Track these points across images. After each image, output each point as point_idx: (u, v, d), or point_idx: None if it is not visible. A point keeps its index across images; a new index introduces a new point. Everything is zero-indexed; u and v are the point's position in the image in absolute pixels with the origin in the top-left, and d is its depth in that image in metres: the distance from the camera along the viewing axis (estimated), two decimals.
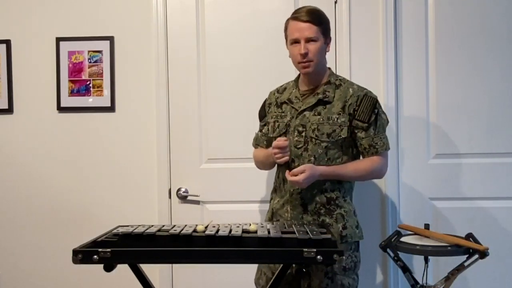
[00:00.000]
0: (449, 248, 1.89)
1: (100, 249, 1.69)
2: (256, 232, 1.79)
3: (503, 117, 2.67)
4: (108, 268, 1.73)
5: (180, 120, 2.78)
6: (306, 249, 1.65)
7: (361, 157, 2.19)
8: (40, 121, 2.86)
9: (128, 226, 1.92)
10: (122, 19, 2.82)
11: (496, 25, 2.66)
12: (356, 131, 2.11)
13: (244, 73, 2.54)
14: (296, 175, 2.00)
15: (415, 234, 2.06)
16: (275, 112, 2.24)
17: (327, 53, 2.16)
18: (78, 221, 2.84)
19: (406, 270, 1.96)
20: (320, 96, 2.12)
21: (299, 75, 2.24)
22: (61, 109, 2.85)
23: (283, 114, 2.20)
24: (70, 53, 2.83)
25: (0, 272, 2.90)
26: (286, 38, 2.15)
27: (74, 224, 2.83)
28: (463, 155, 2.69)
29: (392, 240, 1.97)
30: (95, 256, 1.68)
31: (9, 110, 2.88)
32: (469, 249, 1.87)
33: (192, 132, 2.78)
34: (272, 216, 2.22)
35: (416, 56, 2.70)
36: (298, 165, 2.08)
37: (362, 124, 2.09)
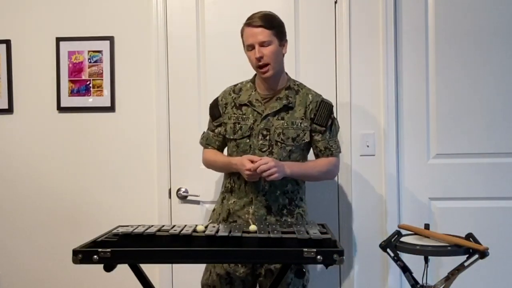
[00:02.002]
0: (449, 248, 1.89)
1: (100, 249, 1.69)
2: (256, 232, 1.79)
3: (503, 117, 2.67)
4: (108, 268, 1.73)
5: (180, 120, 2.79)
6: (306, 249, 1.65)
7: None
8: (40, 121, 2.86)
9: (128, 226, 1.92)
10: (122, 19, 2.82)
11: (495, 25, 2.67)
12: (313, 134, 2.20)
13: (244, 73, 2.52)
14: (264, 170, 2.01)
15: (415, 234, 2.06)
16: (234, 113, 2.22)
17: (284, 54, 2.21)
18: (78, 221, 2.84)
19: (406, 270, 1.96)
20: (285, 101, 2.17)
21: (254, 75, 2.27)
22: (61, 109, 2.85)
23: (244, 116, 2.20)
24: (70, 53, 2.83)
25: (0, 272, 2.90)
26: (243, 44, 2.21)
27: (74, 224, 2.84)
28: (463, 155, 2.69)
29: (392, 240, 1.97)
30: (95, 256, 1.68)
31: (9, 110, 2.88)
32: (469, 249, 1.87)
33: (192, 132, 2.78)
34: (228, 216, 2.21)
35: (416, 56, 2.70)
36: None
37: (320, 128, 2.19)
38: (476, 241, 1.91)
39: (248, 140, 2.17)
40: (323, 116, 2.19)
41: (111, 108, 2.83)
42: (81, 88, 2.84)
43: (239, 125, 2.19)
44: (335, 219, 2.72)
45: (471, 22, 2.68)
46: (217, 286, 2.18)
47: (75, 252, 1.69)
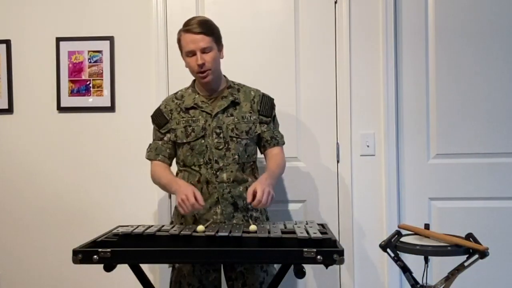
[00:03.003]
0: (449, 248, 1.88)
1: (100, 249, 1.69)
2: (256, 232, 1.79)
3: (503, 117, 2.67)
4: (108, 268, 1.73)
5: None
6: (306, 249, 1.65)
7: (259, 151, 2.31)
8: (40, 121, 2.86)
9: (128, 226, 1.92)
10: (122, 19, 2.82)
11: (496, 25, 2.67)
12: (259, 126, 2.25)
13: (243, 73, 2.54)
14: (255, 198, 1.96)
15: (415, 234, 2.06)
16: (182, 117, 2.20)
17: (221, 59, 2.22)
18: (78, 221, 2.84)
19: (406, 270, 1.96)
20: (231, 98, 2.21)
21: (194, 81, 2.28)
22: (61, 109, 2.85)
23: (194, 118, 2.19)
24: (70, 53, 2.83)
25: (0, 272, 2.90)
26: (180, 49, 2.20)
27: (74, 224, 2.84)
28: (463, 155, 2.69)
29: (392, 240, 1.96)
30: (95, 256, 1.68)
31: (9, 110, 2.88)
32: (469, 249, 1.87)
33: None
34: (194, 222, 2.16)
35: (416, 56, 2.70)
36: (223, 165, 2.14)
37: (266, 119, 2.26)
38: (476, 241, 1.91)
39: (203, 141, 2.17)
40: (267, 108, 2.26)
41: (111, 108, 2.83)
42: (81, 88, 2.84)
43: (191, 127, 2.18)
44: (335, 219, 2.72)
45: (471, 22, 2.68)
46: None
47: (75, 252, 1.69)
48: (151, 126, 2.78)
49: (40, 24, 2.85)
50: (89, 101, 2.84)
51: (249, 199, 1.96)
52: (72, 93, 2.84)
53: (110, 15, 2.83)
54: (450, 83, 2.69)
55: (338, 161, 2.74)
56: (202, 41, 2.11)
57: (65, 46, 2.83)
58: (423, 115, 2.71)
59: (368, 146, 2.71)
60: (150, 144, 2.29)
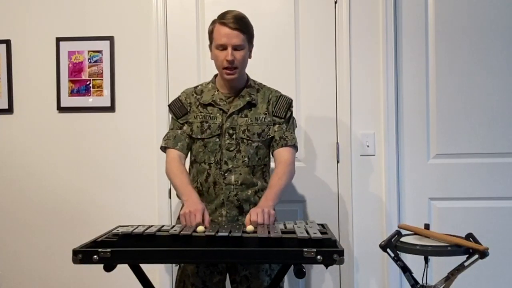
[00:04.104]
0: (449, 248, 1.88)
1: (100, 249, 1.68)
2: (256, 232, 1.79)
3: (503, 117, 2.67)
4: (108, 268, 1.73)
5: None
6: (306, 249, 1.65)
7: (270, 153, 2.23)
8: (40, 121, 2.86)
9: (128, 226, 1.92)
10: (122, 19, 2.82)
11: (495, 25, 2.67)
12: (273, 127, 2.18)
13: None
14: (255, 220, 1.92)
15: (415, 234, 2.06)
16: (200, 112, 2.17)
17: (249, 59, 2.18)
18: (78, 221, 2.84)
19: (406, 270, 1.96)
20: (248, 98, 2.16)
21: (215, 76, 2.24)
22: (61, 109, 2.85)
23: (211, 115, 2.16)
24: (70, 53, 2.83)
25: (0, 272, 2.90)
26: (210, 40, 2.16)
27: (74, 224, 2.84)
28: (463, 155, 2.69)
29: (392, 240, 1.96)
30: (95, 256, 1.68)
31: (9, 110, 2.88)
32: (469, 249, 1.87)
33: None
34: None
35: (416, 56, 2.71)
36: (232, 167, 2.11)
37: (278, 119, 2.19)
38: (476, 241, 1.91)
39: (217, 140, 2.14)
40: (281, 109, 2.19)
41: (111, 108, 2.83)
42: (81, 88, 2.84)
43: (207, 124, 2.15)
44: (335, 219, 2.72)
45: (471, 22, 2.68)
46: None
47: (75, 252, 1.69)
48: (151, 126, 2.81)
49: (40, 24, 2.86)
50: (89, 101, 2.84)
51: (247, 224, 1.91)
52: (72, 93, 2.84)
53: (110, 15, 2.83)
54: (450, 83, 2.69)
55: (338, 161, 2.74)
56: (236, 37, 2.06)
57: (65, 46, 2.83)
58: (423, 115, 2.71)
59: (368, 146, 2.72)
60: (168, 133, 2.23)
